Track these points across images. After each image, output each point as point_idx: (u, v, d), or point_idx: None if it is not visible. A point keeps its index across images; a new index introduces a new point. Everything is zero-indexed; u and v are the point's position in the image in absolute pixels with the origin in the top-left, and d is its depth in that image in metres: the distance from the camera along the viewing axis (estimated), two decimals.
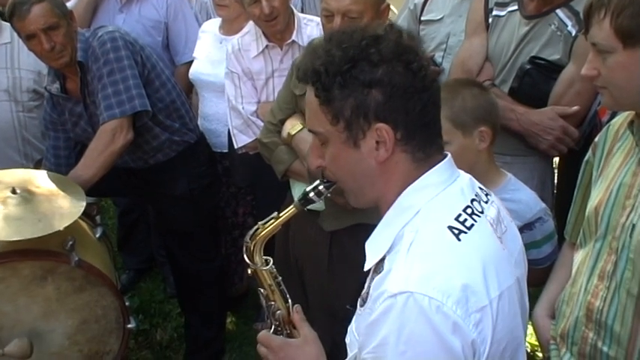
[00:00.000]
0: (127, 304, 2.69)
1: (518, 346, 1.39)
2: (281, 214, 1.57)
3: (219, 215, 3.60)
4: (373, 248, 1.38)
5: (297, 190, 2.60)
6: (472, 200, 1.38)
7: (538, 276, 2.06)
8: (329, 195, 1.51)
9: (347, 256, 2.49)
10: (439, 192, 1.35)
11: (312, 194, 1.50)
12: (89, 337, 2.61)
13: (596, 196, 1.74)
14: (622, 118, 1.78)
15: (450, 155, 1.40)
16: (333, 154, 1.37)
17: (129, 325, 2.66)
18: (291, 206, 1.55)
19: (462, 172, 1.43)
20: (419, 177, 1.35)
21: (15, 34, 3.03)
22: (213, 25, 3.59)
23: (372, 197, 1.40)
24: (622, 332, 1.63)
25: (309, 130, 1.41)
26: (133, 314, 2.76)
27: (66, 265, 2.49)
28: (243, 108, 3.12)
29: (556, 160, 3.11)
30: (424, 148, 1.35)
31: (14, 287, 2.46)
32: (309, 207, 1.57)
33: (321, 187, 1.49)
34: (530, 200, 2.22)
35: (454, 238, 1.29)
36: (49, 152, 3.19)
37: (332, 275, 2.53)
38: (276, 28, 2.98)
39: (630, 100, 1.61)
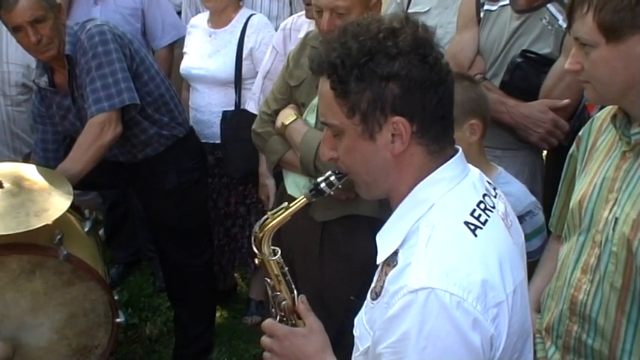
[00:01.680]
0: (115, 298, 2.69)
1: (527, 337, 1.41)
2: (291, 205, 1.55)
3: (211, 206, 3.60)
4: (385, 241, 1.37)
5: (289, 181, 2.61)
6: (484, 195, 1.38)
7: (528, 269, 2.07)
8: (340, 187, 1.50)
9: (338, 246, 2.50)
10: (453, 186, 1.35)
11: (323, 185, 1.49)
12: (78, 332, 2.60)
13: (579, 190, 1.75)
14: (605, 112, 1.79)
15: (461, 150, 1.40)
16: (347, 147, 1.36)
17: (118, 320, 2.65)
18: (302, 196, 1.53)
19: (471, 166, 1.44)
20: (433, 170, 1.35)
21: (3, 28, 3.01)
22: (201, 19, 3.59)
23: (384, 189, 1.39)
24: (606, 325, 1.64)
25: (322, 123, 1.39)
26: (122, 308, 2.76)
27: (54, 259, 2.48)
28: (263, 83, 3.17)
29: (545, 153, 3.13)
30: (439, 140, 1.34)
31: (2, 281, 2.45)
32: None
33: (332, 178, 1.48)
34: (520, 193, 2.23)
35: (471, 233, 1.29)
36: (37, 146, 3.18)
37: (323, 266, 2.54)
38: (310, 14, 3.00)
39: (613, 94, 1.61)
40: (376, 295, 1.37)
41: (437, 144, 1.34)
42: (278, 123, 2.55)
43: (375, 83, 1.28)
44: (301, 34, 3.06)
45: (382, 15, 1.39)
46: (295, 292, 1.63)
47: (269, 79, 3.15)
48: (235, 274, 4.08)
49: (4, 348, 2.44)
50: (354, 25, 1.33)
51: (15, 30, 2.78)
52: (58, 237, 2.47)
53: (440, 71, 1.32)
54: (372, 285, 1.41)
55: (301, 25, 3.11)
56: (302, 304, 1.60)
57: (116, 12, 3.72)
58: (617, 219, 1.61)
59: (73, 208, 2.68)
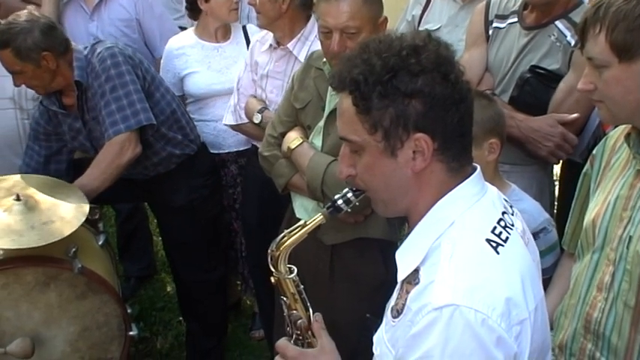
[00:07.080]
0: (128, 311, 2.71)
1: (546, 353, 1.42)
2: (308, 222, 1.54)
3: (234, 217, 3.62)
4: (405, 259, 1.37)
5: (297, 204, 2.60)
6: (503, 213, 1.39)
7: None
8: (357, 204, 1.49)
9: (348, 269, 2.49)
10: (473, 204, 1.35)
11: (340, 202, 1.48)
12: (91, 344, 2.62)
13: (593, 208, 1.76)
14: (619, 131, 1.80)
15: (479, 167, 1.41)
16: (367, 164, 1.36)
17: (130, 333, 2.67)
18: (319, 214, 1.52)
19: (488, 184, 1.44)
20: (453, 187, 1.35)
21: None
22: (187, 38, 3.58)
23: (403, 207, 1.39)
24: (619, 343, 1.64)
25: (341, 139, 1.39)
26: (133, 322, 2.77)
27: (68, 271, 2.51)
28: (239, 91, 3.26)
29: (557, 171, 3.13)
30: (458, 158, 1.35)
31: (17, 293, 2.48)
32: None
33: (349, 195, 1.47)
34: (534, 211, 2.22)
35: (493, 251, 1.30)
36: (32, 159, 3.13)
37: (333, 288, 2.52)
38: (259, 22, 3.11)
39: (626, 113, 1.62)
40: (397, 313, 1.36)
41: (457, 161, 1.35)
42: (284, 147, 2.55)
43: (398, 100, 1.28)
44: (264, 47, 3.15)
45: (404, 33, 1.40)
46: (311, 310, 1.62)
47: (241, 93, 3.27)
48: (238, 288, 4.04)
49: (22, 344, 2.45)
50: (376, 42, 1.34)
51: None
52: (73, 250, 2.50)
53: (461, 89, 1.33)
54: (392, 303, 1.41)
55: (267, 39, 3.16)
56: (316, 322, 1.59)
57: (111, 25, 3.78)
58: (630, 237, 1.61)
59: (88, 221, 2.70)
